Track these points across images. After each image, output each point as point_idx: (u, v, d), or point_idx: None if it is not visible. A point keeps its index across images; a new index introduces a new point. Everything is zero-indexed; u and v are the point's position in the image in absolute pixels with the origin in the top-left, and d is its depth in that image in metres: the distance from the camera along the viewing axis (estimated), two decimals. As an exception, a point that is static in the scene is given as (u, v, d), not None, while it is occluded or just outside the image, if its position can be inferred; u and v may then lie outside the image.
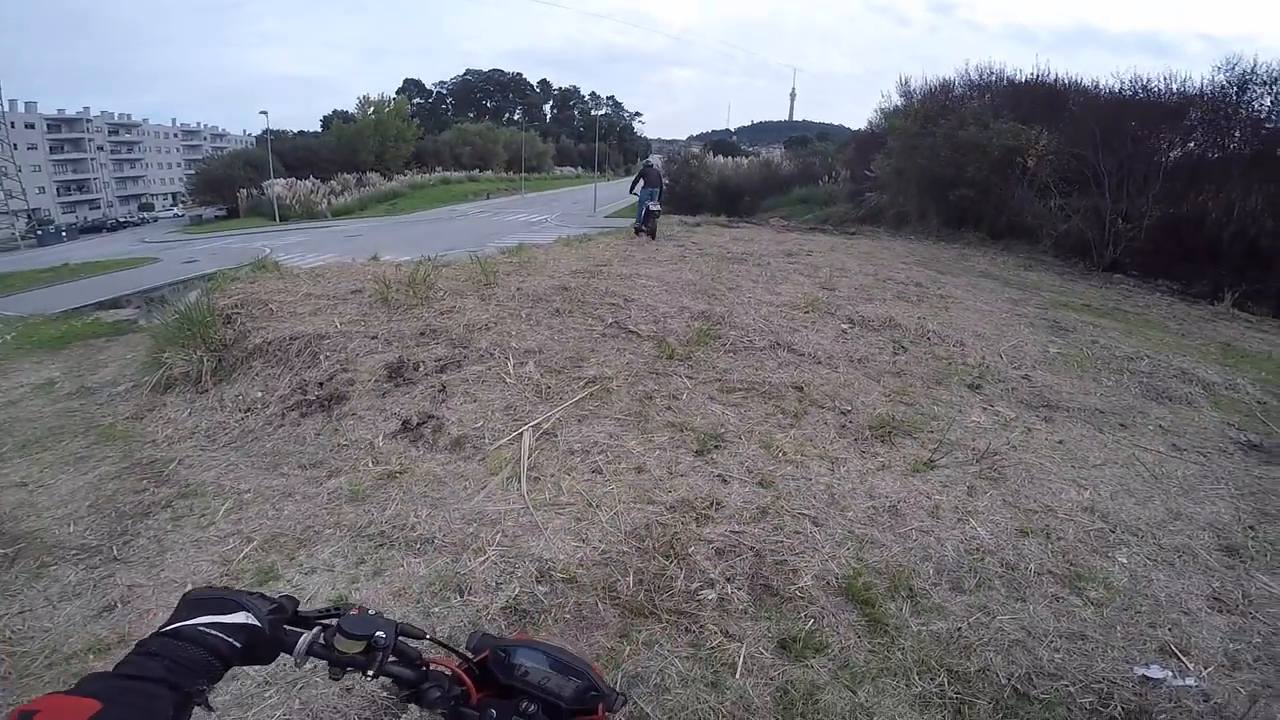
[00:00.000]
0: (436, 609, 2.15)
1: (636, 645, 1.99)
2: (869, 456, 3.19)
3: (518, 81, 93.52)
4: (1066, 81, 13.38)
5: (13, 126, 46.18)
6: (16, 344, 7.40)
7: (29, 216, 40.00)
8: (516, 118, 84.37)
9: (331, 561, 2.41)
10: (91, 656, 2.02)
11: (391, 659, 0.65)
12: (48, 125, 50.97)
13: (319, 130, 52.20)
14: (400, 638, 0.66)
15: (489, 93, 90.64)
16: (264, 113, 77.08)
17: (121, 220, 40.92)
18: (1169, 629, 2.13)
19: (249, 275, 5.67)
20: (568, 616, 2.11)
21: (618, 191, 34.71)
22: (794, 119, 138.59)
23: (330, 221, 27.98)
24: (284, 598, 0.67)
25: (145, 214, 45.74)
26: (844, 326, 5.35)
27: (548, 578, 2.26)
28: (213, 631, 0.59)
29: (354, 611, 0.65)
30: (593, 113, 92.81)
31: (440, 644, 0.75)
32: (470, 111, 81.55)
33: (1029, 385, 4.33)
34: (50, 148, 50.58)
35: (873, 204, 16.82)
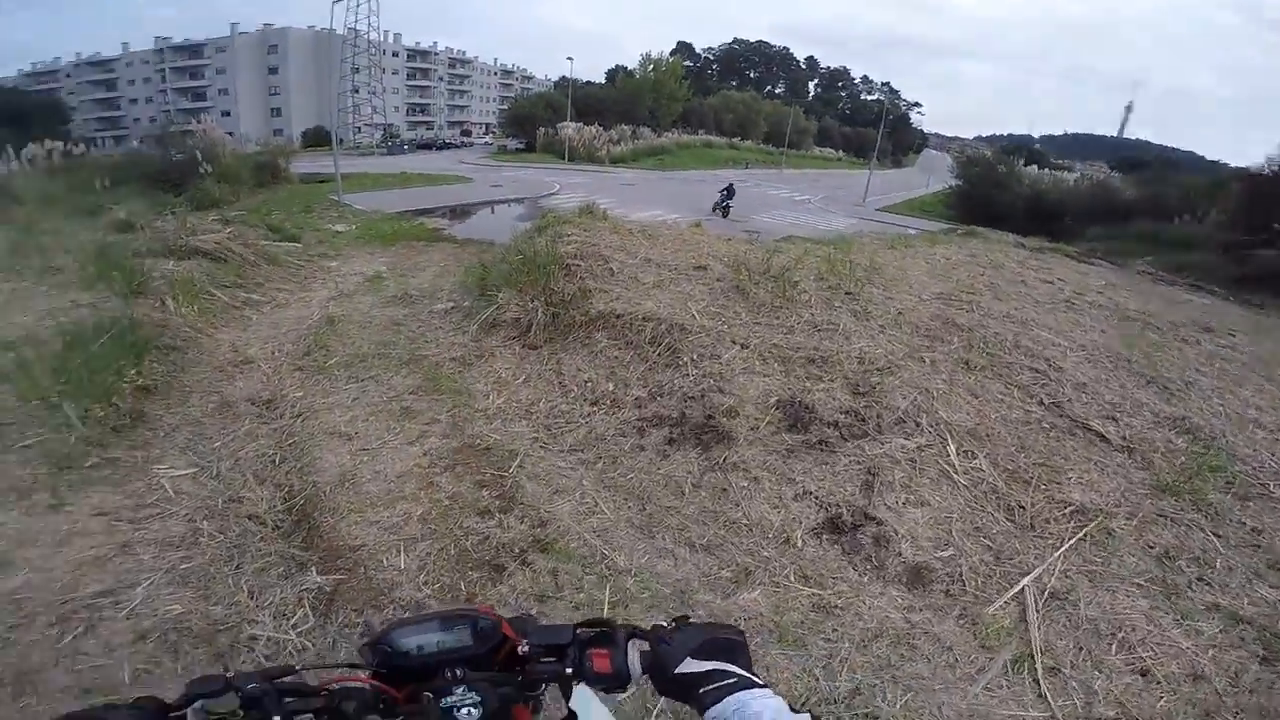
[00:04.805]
0: None
1: None
2: None
3: (784, 56, 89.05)
4: None
5: (384, 54, 58.21)
6: (358, 234, 8.55)
7: (384, 130, 50.20)
8: (779, 91, 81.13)
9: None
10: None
11: (288, 700, 0.54)
12: (407, 55, 63.37)
13: (602, 82, 56.11)
14: (265, 684, 0.54)
15: (754, 63, 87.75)
16: (570, 59, 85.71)
17: (447, 141, 48.75)
18: None
19: (581, 222, 5.23)
20: None
21: (883, 183, 31.16)
22: (1124, 136, 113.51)
23: (607, 168, 29.54)
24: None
25: (465, 138, 54.20)
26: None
27: None
28: None
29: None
30: (863, 97, 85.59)
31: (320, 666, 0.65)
32: (733, 80, 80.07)
33: None
34: (407, 74, 63.00)
35: (1264, 264, 12.12)
